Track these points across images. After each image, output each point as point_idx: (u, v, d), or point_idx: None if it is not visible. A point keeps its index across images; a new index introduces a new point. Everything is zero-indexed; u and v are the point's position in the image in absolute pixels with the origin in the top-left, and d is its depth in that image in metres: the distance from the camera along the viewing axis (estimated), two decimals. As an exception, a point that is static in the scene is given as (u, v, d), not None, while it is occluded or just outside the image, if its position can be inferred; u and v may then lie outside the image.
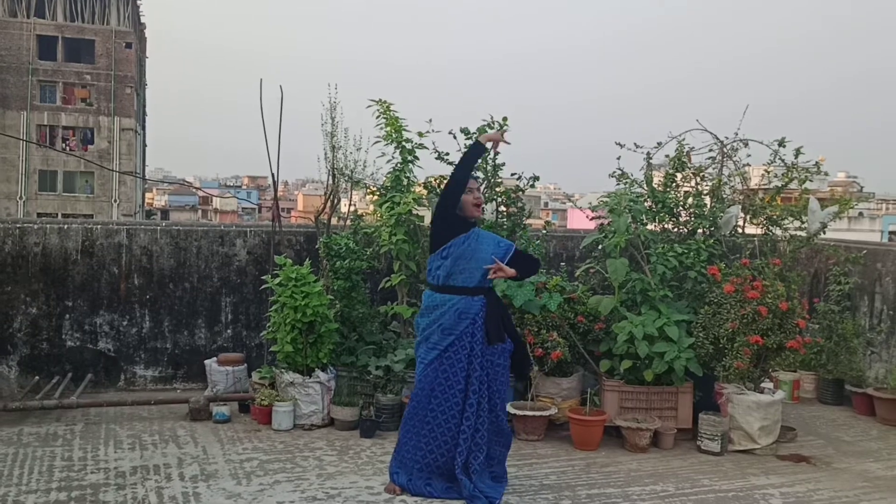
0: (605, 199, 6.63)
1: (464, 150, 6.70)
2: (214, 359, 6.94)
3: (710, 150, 7.28)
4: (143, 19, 49.77)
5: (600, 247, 6.73)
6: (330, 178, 7.11)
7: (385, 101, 6.70)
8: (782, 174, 7.19)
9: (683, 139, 7.14)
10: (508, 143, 5.10)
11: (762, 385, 6.11)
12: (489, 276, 4.66)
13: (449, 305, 4.63)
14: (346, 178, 7.15)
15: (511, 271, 4.68)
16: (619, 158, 7.11)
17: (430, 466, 4.70)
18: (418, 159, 6.80)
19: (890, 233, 43.69)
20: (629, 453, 5.79)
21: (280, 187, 7.68)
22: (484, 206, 4.95)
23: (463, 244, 4.64)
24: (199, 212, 74.35)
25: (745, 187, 7.45)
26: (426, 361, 4.66)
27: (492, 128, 6.70)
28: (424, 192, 6.95)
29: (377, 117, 6.70)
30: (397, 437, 4.85)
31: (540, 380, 6.22)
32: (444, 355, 4.61)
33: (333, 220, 7.30)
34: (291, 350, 6.16)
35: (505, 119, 6.73)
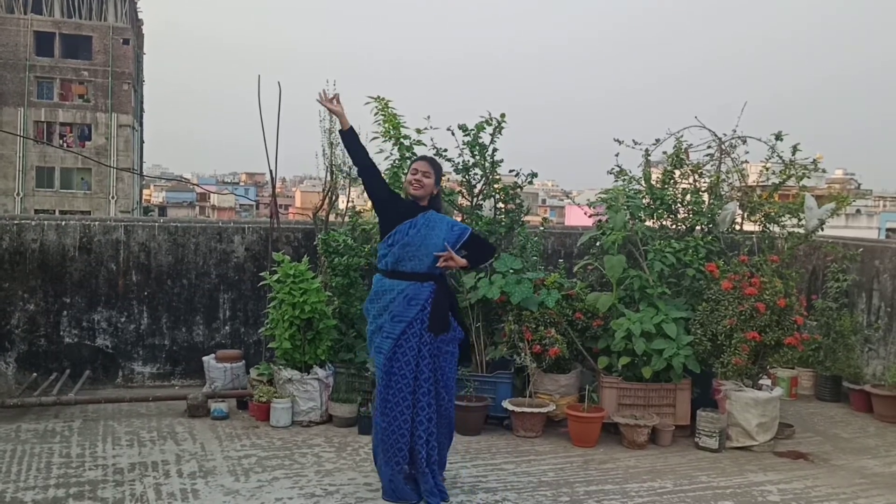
0: (603, 196, 6.63)
1: (462, 146, 6.75)
2: (212, 355, 6.94)
3: (709, 147, 7.29)
4: (140, 15, 49.67)
5: (598, 243, 6.74)
6: (328, 174, 7.10)
7: (383, 98, 6.69)
8: (780, 171, 7.19)
9: (682, 136, 7.15)
10: (335, 105, 4.68)
11: (760, 382, 6.12)
12: (438, 265, 4.54)
13: (398, 291, 4.52)
14: (344, 175, 7.15)
15: (461, 261, 4.57)
16: (617, 155, 7.13)
17: (394, 457, 4.54)
18: (416, 155, 6.79)
19: (887, 230, 43.74)
20: (627, 450, 5.79)
21: (278, 184, 7.68)
22: (427, 186, 4.61)
23: (408, 232, 4.52)
24: (197, 208, 74.27)
25: (743, 184, 7.45)
26: (384, 351, 4.52)
27: (490, 125, 6.70)
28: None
29: (375, 114, 6.69)
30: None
31: (538, 376, 6.23)
32: (397, 343, 4.49)
33: (331, 217, 7.30)
34: (290, 347, 6.16)
35: (503, 116, 6.72)
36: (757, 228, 7.21)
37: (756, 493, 4.98)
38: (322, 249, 6.71)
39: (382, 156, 6.81)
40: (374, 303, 4.64)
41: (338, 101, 4.70)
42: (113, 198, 43.75)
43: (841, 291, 7.73)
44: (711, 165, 7.29)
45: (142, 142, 49.84)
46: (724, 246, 6.95)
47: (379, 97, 6.69)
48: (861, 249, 7.71)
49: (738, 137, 7.18)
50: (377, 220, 4.87)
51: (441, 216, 4.72)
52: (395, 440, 4.51)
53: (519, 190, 7.01)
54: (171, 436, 5.77)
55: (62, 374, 6.84)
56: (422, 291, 4.54)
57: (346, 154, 6.97)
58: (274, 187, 7.36)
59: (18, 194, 42.56)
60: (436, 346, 4.57)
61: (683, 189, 7.07)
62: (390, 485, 4.56)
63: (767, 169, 7.36)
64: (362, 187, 7.22)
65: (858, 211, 48.79)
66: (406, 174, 4.68)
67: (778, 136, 7.05)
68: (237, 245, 7.41)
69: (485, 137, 6.74)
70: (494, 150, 6.78)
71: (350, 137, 4.69)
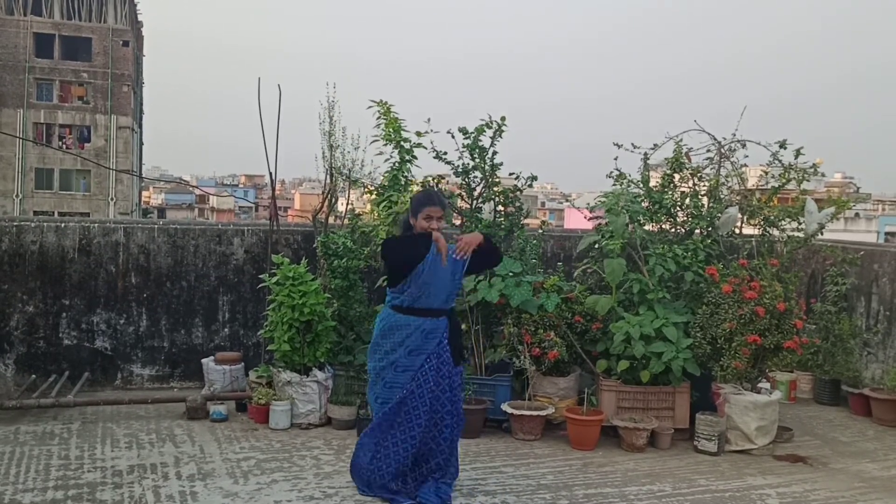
0: (602, 200, 6.64)
1: (461, 149, 6.75)
2: (212, 357, 6.93)
3: (708, 151, 7.29)
4: (140, 17, 49.72)
5: (597, 247, 6.74)
6: (327, 177, 7.10)
7: (385, 102, 6.69)
8: (779, 175, 7.20)
9: (681, 140, 7.15)
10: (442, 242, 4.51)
11: (759, 385, 6.12)
12: (457, 256, 4.49)
13: (415, 326, 4.54)
14: (344, 177, 7.15)
15: (477, 234, 4.54)
16: (616, 159, 7.13)
17: (391, 473, 4.63)
18: (416, 158, 6.80)
19: (886, 233, 43.79)
20: (626, 453, 5.79)
21: (277, 186, 7.68)
22: (437, 229, 4.57)
23: (424, 271, 4.49)
24: (196, 210, 74.28)
25: (743, 188, 7.46)
26: (398, 384, 4.54)
27: (490, 127, 6.71)
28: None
29: (377, 118, 6.70)
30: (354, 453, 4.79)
31: (537, 379, 6.22)
32: (416, 375, 4.53)
33: (331, 219, 7.29)
34: (289, 349, 6.16)
35: (503, 119, 6.73)
36: (756, 232, 7.21)
37: (755, 496, 4.97)
38: (321, 252, 6.71)
39: (382, 158, 6.83)
40: (388, 338, 4.61)
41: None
42: (112, 199, 43.77)
43: (840, 295, 7.74)
44: (711, 169, 7.29)
45: (141, 143, 49.85)
46: (723, 249, 6.96)
47: (381, 101, 6.69)
48: (860, 253, 7.72)
49: (738, 141, 7.19)
50: (387, 268, 4.83)
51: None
52: (398, 461, 4.59)
53: (519, 193, 7.02)
54: (170, 438, 5.76)
55: (61, 376, 6.83)
56: (439, 325, 4.59)
57: (345, 157, 7.05)
58: (273, 189, 7.36)
59: (17, 196, 42.56)
60: (451, 379, 4.64)
61: (683, 192, 7.07)
62: (363, 484, 4.70)
63: (767, 173, 7.37)
64: (361, 190, 7.27)
65: (857, 215, 48.87)
66: (419, 216, 4.57)
67: (782, 145, 7.06)
68: (236, 247, 7.41)
69: (485, 140, 6.75)
70: (494, 153, 6.79)
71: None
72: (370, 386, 4.74)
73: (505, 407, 6.03)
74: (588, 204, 7.17)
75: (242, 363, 6.95)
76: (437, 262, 4.50)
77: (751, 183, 7.64)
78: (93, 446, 5.51)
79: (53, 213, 39.91)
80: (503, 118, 6.73)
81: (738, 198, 7.35)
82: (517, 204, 7.00)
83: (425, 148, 6.76)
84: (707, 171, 7.27)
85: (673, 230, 7.03)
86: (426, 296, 4.55)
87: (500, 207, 6.95)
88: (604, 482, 5.14)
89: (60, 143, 43.49)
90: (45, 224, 7.04)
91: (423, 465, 4.67)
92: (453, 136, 6.73)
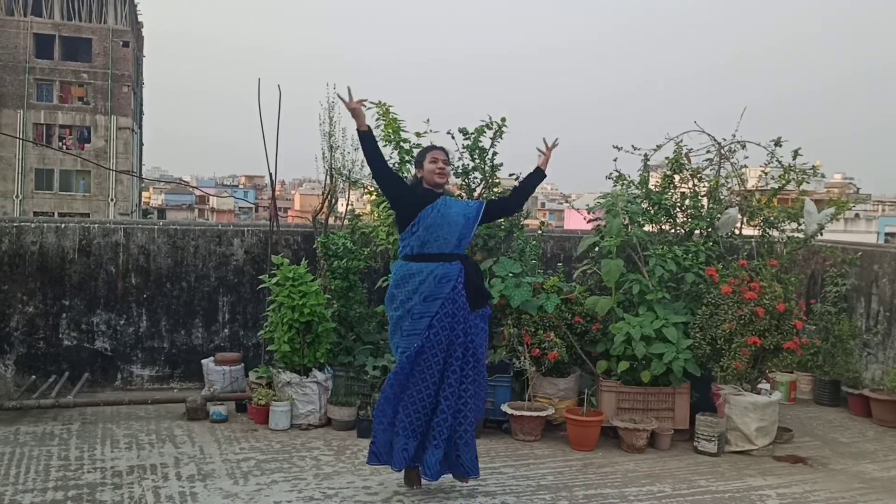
0: (601, 201, 6.64)
1: (462, 150, 6.76)
2: (211, 358, 6.93)
3: (708, 152, 7.29)
4: (140, 18, 49.73)
5: (597, 248, 6.74)
6: (327, 177, 7.11)
7: (384, 104, 6.69)
8: (779, 176, 7.20)
9: (681, 141, 7.15)
10: (350, 100, 4.60)
11: (759, 386, 6.12)
12: (543, 165, 5.03)
13: (427, 272, 4.53)
14: (344, 178, 7.15)
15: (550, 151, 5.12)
16: (615, 160, 7.13)
17: (406, 431, 4.55)
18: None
19: (886, 234, 43.80)
20: (626, 454, 5.79)
21: (277, 187, 7.68)
22: (448, 173, 4.83)
23: (431, 213, 4.57)
24: (196, 211, 74.30)
25: (743, 188, 7.46)
26: (417, 331, 4.51)
27: (490, 128, 6.71)
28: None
29: (377, 119, 6.70)
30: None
31: (537, 380, 6.22)
32: (431, 322, 4.49)
33: (331, 220, 7.30)
34: (289, 350, 6.16)
35: (503, 119, 6.73)
36: (756, 233, 7.21)
37: (755, 497, 4.97)
38: (321, 252, 6.71)
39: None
40: (402, 287, 4.60)
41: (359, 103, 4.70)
42: (112, 200, 43.76)
43: (840, 296, 7.74)
44: (711, 170, 7.30)
45: (141, 144, 49.85)
46: (723, 250, 6.96)
47: (381, 103, 6.70)
48: (860, 254, 7.72)
49: (738, 142, 7.19)
50: (394, 215, 4.96)
51: (454, 199, 4.88)
52: (416, 413, 4.52)
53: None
54: (170, 439, 5.76)
55: (61, 377, 6.84)
56: (451, 270, 4.56)
57: (345, 158, 7.05)
58: (273, 190, 7.37)
59: (17, 196, 42.56)
60: (470, 323, 4.61)
61: (682, 193, 7.08)
62: (384, 448, 4.63)
63: (767, 174, 7.37)
64: (361, 190, 7.27)
65: (857, 215, 48.86)
66: (424, 163, 4.73)
67: (777, 143, 7.06)
68: (236, 248, 7.41)
69: (485, 141, 6.75)
70: (494, 153, 6.79)
71: (367, 138, 4.69)
72: (390, 335, 4.76)
73: (505, 408, 6.03)
74: (587, 205, 7.17)
75: (242, 364, 6.95)
76: (446, 205, 4.61)
77: (751, 184, 7.64)
78: (92, 447, 5.51)
79: (53, 213, 39.89)
80: (503, 119, 6.73)
81: (737, 199, 7.36)
82: (517, 204, 7.00)
83: (425, 148, 6.76)
84: (707, 172, 7.27)
85: (673, 231, 7.03)
86: (435, 239, 4.56)
87: (500, 208, 6.94)
88: (604, 483, 5.14)
89: (60, 143, 43.49)
90: (45, 225, 7.04)
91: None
92: (453, 137, 6.74)
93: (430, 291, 4.52)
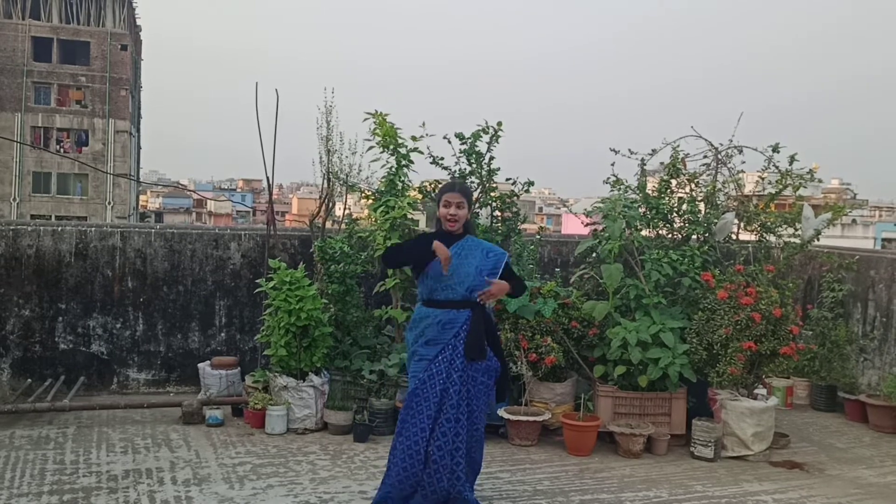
0: (599, 205, 6.64)
1: (458, 154, 6.76)
2: (208, 362, 6.91)
3: (705, 157, 7.31)
4: (138, 21, 49.75)
5: (595, 253, 6.74)
6: (325, 181, 7.11)
7: (381, 113, 6.68)
8: (776, 181, 7.22)
9: (678, 145, 7.17)
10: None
11: (756, 391, 6.13)
12: (479, 300, 4.46)
13: (433, 318, 4.52)
14: (341, 182, 7.15)
15: (503, 286, 4.48)
16: (613, 164, 7.14)
17: (403, 483, 4.42)
18: (413, 163, 6.81)
19: (883, 240, 43.85)
20: (622, 459, 5.79)
21: (275, 190, 7.68)
22: (463, 217, 4.54)
23: (440, 264, 4.41)
24: (194, 214, 74.24)
25: (740, 194, 7.47)
26: (417, 374, 4.52)
27: (486, 133, 6.72)
28: (419, 196, 6.96)
29: (373, 130, 6.70)
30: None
31: (534, 385, 6.22)
32: (429, 366, 4.48)
33: (328, 224, 7.30)
34: (285, 354, 6.15)
35: (499, 124, 6.74)
36: (753, 238, 7.23)
37: (751, 502, 4.97)
38: (318, 256, 6.71)
39: (379, 163, 6.83)
40: (412, 330, 4.65)
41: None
42: (109, 203, 43.72)
43: (836, 301, 7.75)
44: (708, 175, 7.31)
45: (139, 147, 49.84)
46: (720, 255, 6.96)
47: (377, 112, 6.69)
48: (857, 259, 7.73)
49: (735, 147, 7.21)
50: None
51: (476, 241, 4.64)
52: (409, 459, 4.40)
53: (516, 198, 7.02)
54: (166, 443, 5.75)
55: (57, 381, 6.82)
56: (458, 318, 4.49)
57: (343, 162, 7.05)
58: (271, 194, 7.37)
59: (14, 199, 42.50)
60: (468, 375, 4.48)
61: (679, 198, 7.09)
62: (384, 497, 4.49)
63: (763, 179, 7.38)
64: (359, 195, 7.28)
65: (854, 221, 48.93)
66: (440, 205, 4.56)
67: (775, 149, 7.08)
68: (233, 252, 7.41)
69: (481, 146, 6.76)
70: (491, 158, 6.80)
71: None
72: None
73: (501, 412, 6.02)
74: (585, 210, 7.18)
75: (239, 368, 6.93)
76: (462, 255, 4.49)
77: (748, 189, 7.65)
78: (88, 451, 5.50)
79: (50, 216, 39.83)
80: (499, 123, 6.74)
81: (734, 203, 7.37)
82: (514, 209, 7.01)
83: (421, 153, 6.77)
84: (704, 176, 7.29)
85: (670, 236, 7.04)
86: (443, 288, 4.51)
87: (497, 212, 6.96)
88: (600, 488, 5.13)
89: (58, 146, 43.46)
90: (41, 228, 7.03)
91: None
92: (450, 142, 6.74)
93: (433, 336, 4.51)
